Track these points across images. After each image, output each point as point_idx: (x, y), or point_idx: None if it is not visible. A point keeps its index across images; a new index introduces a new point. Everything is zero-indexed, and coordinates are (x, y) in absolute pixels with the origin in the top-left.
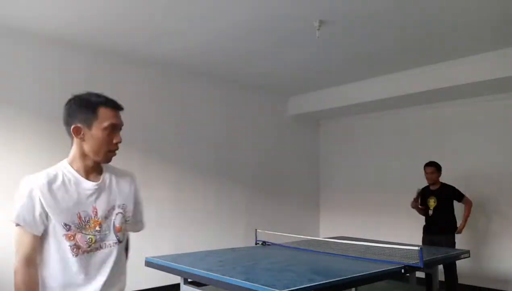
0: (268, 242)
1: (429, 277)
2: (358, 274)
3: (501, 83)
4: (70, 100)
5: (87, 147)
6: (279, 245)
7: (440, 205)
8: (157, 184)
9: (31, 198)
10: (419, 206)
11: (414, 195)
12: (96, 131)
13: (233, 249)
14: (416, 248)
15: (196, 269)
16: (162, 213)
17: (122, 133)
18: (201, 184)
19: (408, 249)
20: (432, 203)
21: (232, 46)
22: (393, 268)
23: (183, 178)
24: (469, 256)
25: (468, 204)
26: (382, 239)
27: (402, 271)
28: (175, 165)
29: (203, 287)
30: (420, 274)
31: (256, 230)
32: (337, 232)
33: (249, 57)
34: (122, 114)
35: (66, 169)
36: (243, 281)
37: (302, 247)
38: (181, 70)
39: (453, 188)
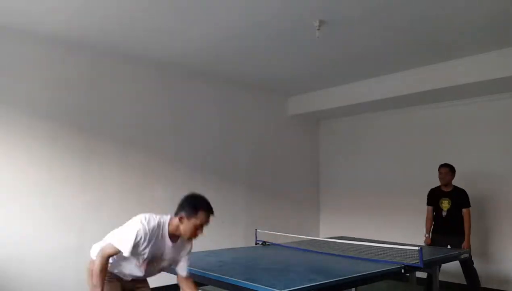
0: (268, 242)
1: (430, 277)
2: (358, 274)
3: (501, 83)
4: (187, 197)
5: (182, 228)
6: (279, 245)
7: (453, 207)
8: (157, 183)
9: None
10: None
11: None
12: (191, 223)
13: (233, 249)
14: (416, 248)
15: (196, 269)
16: (162, 212)
17: (121, 132)
18: (201, 183)
19: (408, 249)
20: (446, 204)
21: (231, 46)
22: (393, 268)
23: (183, 177)
24: (469, 256)
25: (468, 217)
26: (382, 239)
27: (402, 271)
28: (174, 165)
29: (203, 287)
30: (420, 274)
31: (256, 230)
32: (337, 232)
33: (249, 57)
34: (121, 114)
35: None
36: (243, 281)
37: (302, 247)
38: (181, 70)
39: (466, 192)
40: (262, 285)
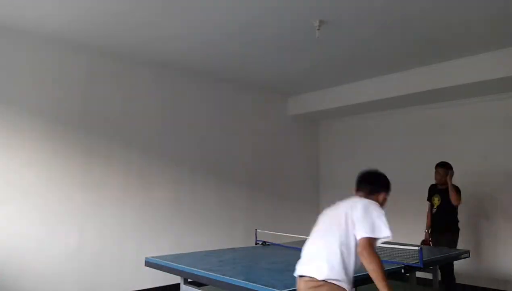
0: (268, 242)
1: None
2: (358, 274)
3: (501, 83)
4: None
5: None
6: (279, 245)
7: (443, 204)
8: (157, 184)
9: None
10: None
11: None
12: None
13: (233, 249)
14: (416, 248)
15: (196, 269)
16: (162, 213)
17: (120, 132)
18: (201, 184)
19: (408, 249)
20: (436, 201)
21: (232, 46)
22: (393, 268)
23: (183, 178)
24: (469, 256)
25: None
26: None
27: (402, 271)
28: (174, 165)
29: (203, 287)
30: (420, 274)
31: (256, 230)
32: None
33: (249, 57)
34: (121, 114)
35: None
36: (243, 281)
37: (302, 247)
38: (181, 70)
39: (458, 189)
40: (262, 285)
